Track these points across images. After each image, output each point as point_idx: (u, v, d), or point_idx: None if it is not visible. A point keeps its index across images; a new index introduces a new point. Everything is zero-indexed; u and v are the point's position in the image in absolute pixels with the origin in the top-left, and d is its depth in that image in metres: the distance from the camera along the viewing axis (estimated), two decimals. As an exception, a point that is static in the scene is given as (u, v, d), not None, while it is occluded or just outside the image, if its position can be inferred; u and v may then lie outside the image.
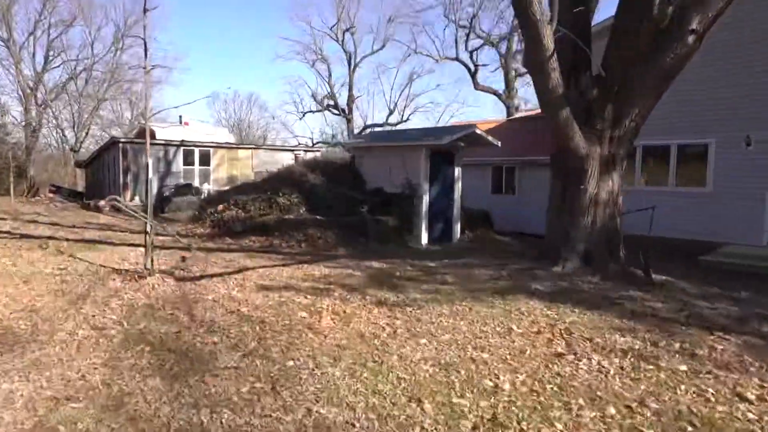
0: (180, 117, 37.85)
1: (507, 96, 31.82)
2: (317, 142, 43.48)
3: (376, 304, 6.41)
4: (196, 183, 22.42)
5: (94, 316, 5.74)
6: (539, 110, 29.74)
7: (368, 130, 39.98)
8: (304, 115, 44.81)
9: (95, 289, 6.86)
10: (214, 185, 23.12)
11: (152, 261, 7.58)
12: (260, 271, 8.41)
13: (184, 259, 7.80)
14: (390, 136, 13.52)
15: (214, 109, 66.38)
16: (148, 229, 7.43)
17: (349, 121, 40.72)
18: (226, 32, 72.71)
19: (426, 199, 12.15)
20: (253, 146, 25.17)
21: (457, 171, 12.89)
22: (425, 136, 12.21)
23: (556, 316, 6.00)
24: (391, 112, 39.75)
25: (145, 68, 7.51)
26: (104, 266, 8.31)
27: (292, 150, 26.51)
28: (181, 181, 21.95)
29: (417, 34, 56.77)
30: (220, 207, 13.32)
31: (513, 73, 32.12)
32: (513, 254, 10.43)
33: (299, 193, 12.64)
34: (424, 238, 12.18)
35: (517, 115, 33.13)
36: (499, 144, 13.00)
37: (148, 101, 7.52)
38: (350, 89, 40.28)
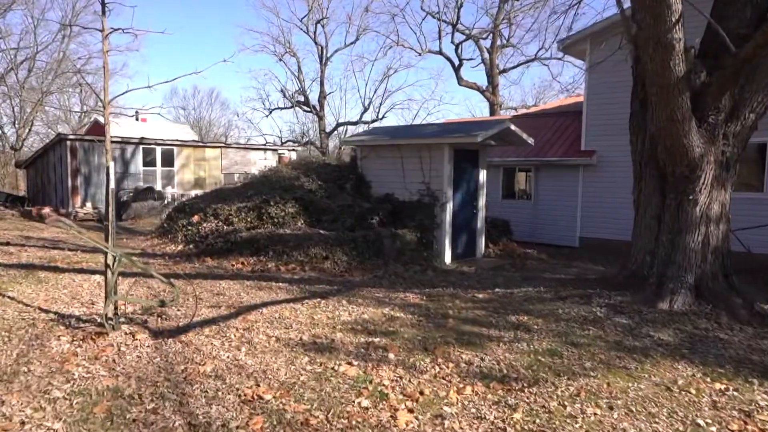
0: (136, 113, 34.72)
1: (491, 93, 30.22)
2: (286, 141, 40.93)
3: (462, 376, 4.34)
4: (158, 186, 19.74)
5: (23, 423, 3.45)
6: (530, 107, 28.32)
7: (357, 128, 37.80)
8: (271, 112, 42.17)
9: (28, 357, 4.53)
10: (178, 188, 20.50)
11: (116, 308, 5.27)
12: (266, 312, 6.20)
13: (163, 303, 5.50)
14: (403, 131, 11.45)
15: (171, 105, 62.55)
16: (110, 261, 5.12)
17: (320, 118, 38.33)
18: (184, 21, 68.93)
19: (450, 207, 10.14)
20: (223, 144, 22.60)
21: (482, 174, 10.94)
22: (448, 132, 10.17)
23: (736, 393, 4.08)
24: (365, 110, 37.62)
25: (102, 30, 5.20)
26: (45, 311, 5.92)
27: (265, 149, 24.07)
28: (141, 183, 19.25)
29: (398, 25, 54.59)
30: (195, 218, 10.94)
31: (497, 69, 30.57)
32: (577, 280, 8.50)
33: (294, 202, 10.40)
34: (448, 255, 10.17)
35: (501, 112, 31.65)
36: (533, 142, 11.12)
37: (107, 76, 5.20)
38: (321, 85, 37.87)
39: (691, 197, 6.20)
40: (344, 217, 10.07)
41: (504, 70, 31.21)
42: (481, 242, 11.07)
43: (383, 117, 37.14)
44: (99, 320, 5.50)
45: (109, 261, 5.14)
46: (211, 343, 5.02)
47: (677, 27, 5.24)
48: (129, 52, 52.43)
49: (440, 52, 28.96)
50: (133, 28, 5.45)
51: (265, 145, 29.54)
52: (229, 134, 53.10)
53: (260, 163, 23.36)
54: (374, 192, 11.18)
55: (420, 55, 28.43)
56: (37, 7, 32.29)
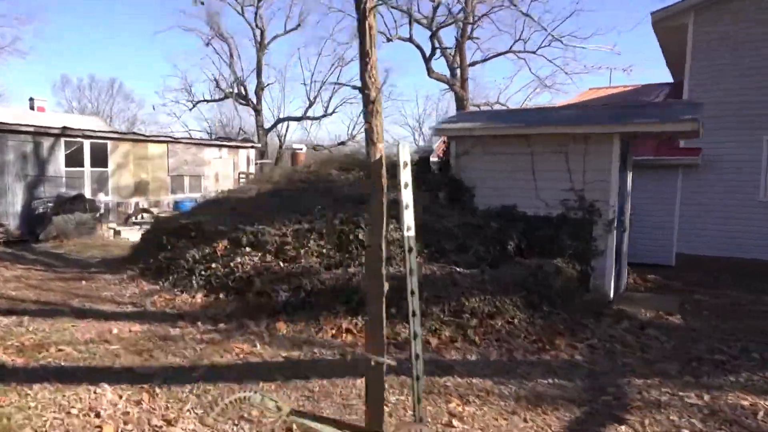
0: (31, 99, 28.25)
1: (460, 87, 27.65)
2: (218, 137, 35.72)
3: None
4: (87, 193, 14.72)
5: None
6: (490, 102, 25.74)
7: (301, 124, 33.52)
8: (195, 105, 36.56)
9: None
10: (114, 195, 15.62)
11: None
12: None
13: None
14: (534, 115, 8.15)
15: (62, 96, 53.67)
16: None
17: (258, 112, 33.70)
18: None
19: (615, 225, 7.03)
20: (170, 139, 17.79)
21: (629, 178, 7.97)
22: (626, 117, 6.98)
23: None
24: (311, 104, 33.50)
25: None
26: None
27: (220, 146, 19.54)
28: (64, 189, 14.16)
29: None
30: (220, 246, 6.88)
31: (466, 61, 28.07)
32: None
33: (396, 222, 6.75)
34: (611, 290, 7.06)
35: (471, 108, 29.22)
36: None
37: None
38: (258, 75, 33.24)
39: None
40: (473, 242, 6.60)
41: (473, 63, 28.81)
42: (625, 270, 8.09)
43: (333, 112, 33.33)
44: None
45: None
46: None
47: None
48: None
49: (410, 40, 25.86)
50: None
51: (228, 140, 24.61)
52: (134, 130, 46.08)
53: (215, 162, 18.85)
54: (478, 202, 7.78)
55: (390, 41, 25.09)
56: None
